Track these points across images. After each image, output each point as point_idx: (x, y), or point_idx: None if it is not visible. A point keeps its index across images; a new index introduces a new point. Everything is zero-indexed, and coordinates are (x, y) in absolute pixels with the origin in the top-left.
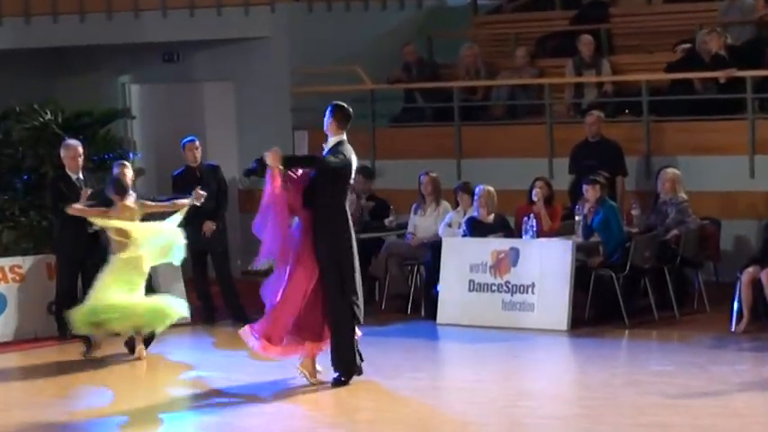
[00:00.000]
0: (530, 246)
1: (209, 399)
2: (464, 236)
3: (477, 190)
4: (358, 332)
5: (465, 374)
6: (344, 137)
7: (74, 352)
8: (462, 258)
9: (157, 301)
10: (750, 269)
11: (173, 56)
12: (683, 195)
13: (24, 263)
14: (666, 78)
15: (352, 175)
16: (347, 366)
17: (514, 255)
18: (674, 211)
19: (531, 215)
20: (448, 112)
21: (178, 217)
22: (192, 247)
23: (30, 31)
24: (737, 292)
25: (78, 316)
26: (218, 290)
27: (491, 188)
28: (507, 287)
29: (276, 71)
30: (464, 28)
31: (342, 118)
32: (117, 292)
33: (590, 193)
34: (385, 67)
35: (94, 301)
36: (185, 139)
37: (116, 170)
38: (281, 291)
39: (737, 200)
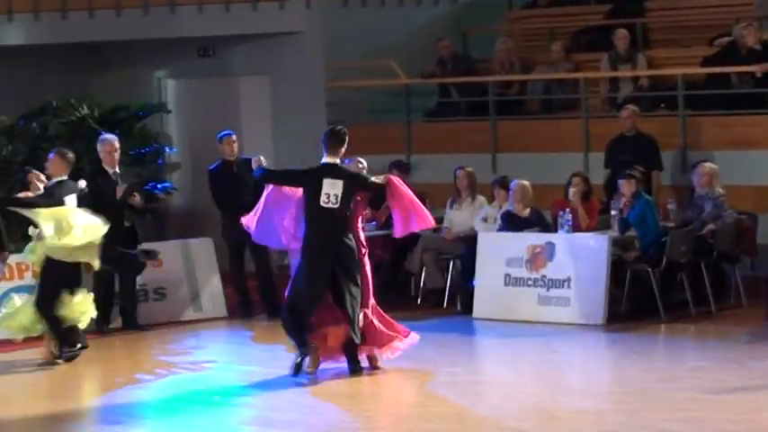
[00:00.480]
0: (566, 240)
1: (248, 393)
2: (500, 230)
3: (512, 184)
4: None
5: (501, 369)
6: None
7: (113, 346)
8: (498, 253)
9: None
10: None
11: (208, 50)
12: (720, 190)
13: None
14: (702, 72)
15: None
16: None
17: (550, 249)
18: (710, 206)
19: (567, 210)
20: (483, 106)
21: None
22: (230, 240)
23: (66, 27)
24: None
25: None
26: (255, 284)
27: (526, 183)
28: (543, 282)
29: (311, 65)
30: (499, 22)
31: (334, 142)
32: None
33: (625, 187)
34: (420, 61)
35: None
36: (222, 133)
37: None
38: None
39: None
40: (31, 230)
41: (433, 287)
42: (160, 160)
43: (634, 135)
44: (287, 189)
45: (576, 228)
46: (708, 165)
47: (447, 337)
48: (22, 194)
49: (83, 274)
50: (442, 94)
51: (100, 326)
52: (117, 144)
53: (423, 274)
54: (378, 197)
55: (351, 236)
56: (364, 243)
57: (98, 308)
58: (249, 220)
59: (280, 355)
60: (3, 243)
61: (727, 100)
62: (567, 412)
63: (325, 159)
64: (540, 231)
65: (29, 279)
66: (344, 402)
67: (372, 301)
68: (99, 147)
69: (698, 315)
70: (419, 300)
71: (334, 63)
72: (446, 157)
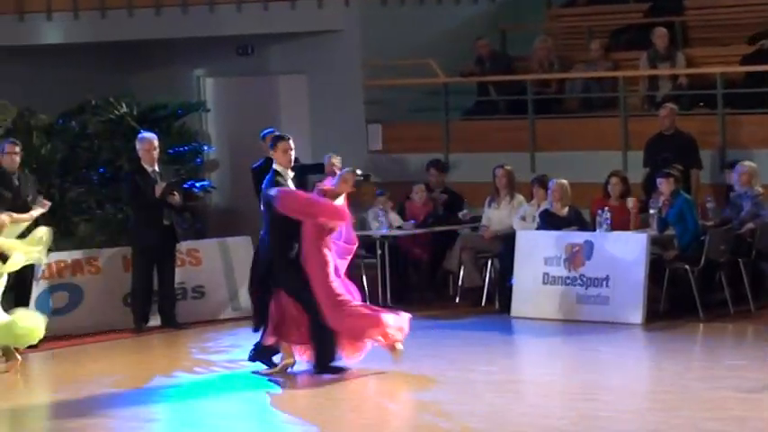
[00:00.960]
0: (604, 239)
1: (287, 392)
2: (538, 229)
3: (550, 183)
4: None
5: (539, 368)
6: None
7: (151, 344)
8: (536, 251)
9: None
10: None
11: (247, 49)
12: (759, 189)
13: (100, 255)
14: (741, 71)
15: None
16: None
17: (589, 248)
18: (749, 204)
19: (606, 208)
20: (521, 105)
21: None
22: None
23: (105, 25)
24: None
25: None
26: None
27: (565, 181)
28: (581, 280)
29: (349, 64)
30: (538, 21)
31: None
32: None
33: (664, 186)
34: (458, 60)
35: None
36: (266, 131)
37: None
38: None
39: None
40: None
41: (471, 286)
42: (199, 159)
43: (673, 134)
44: None
45: (612, 224)
46: (747, 163)
47: (485, 336)
48: None
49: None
50: (481, 93)
51: (138, 324)
52: (156, 142)
53: (461, 273)
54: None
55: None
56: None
57: (137, 306)
58: None
59: None
60: None
61: (767, 98)
62: (605, 411)
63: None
64: (579, 230)
65: (68, 277)
66: (383, 401)
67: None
68: (138, 145)
69: (736, 314)
70: (457, 298)
71: (372, 61)
72: (484, 156)
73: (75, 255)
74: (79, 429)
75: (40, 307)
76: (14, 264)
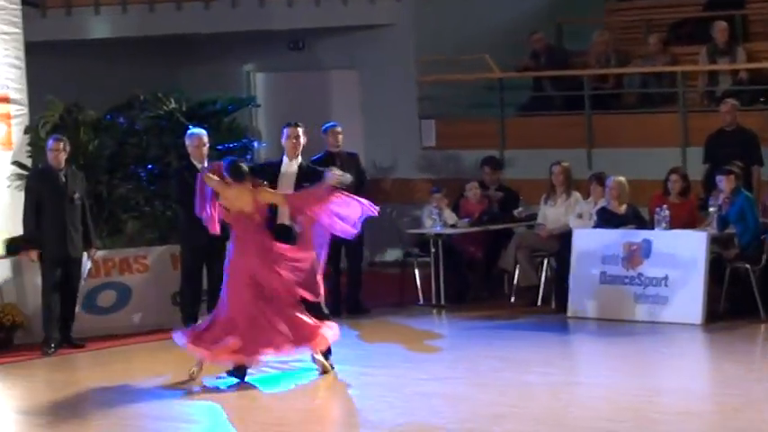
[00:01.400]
0: (663, 237)
1: (338, 392)
2: (595, 227)
3: (608, 180)
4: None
5: (597, 369)
6: None
7: None
8: (593, 250)
9: None
10: None
11: (298, 44)
12: None
13: (149, 253)
14: None
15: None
16: None
17: (647, 246)
18: None
19: (665, 206)
20: (578, 100)
21: None
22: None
23: (154, 19)
24: None
25: None
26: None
27: (622, 179)
28: (640, 280)
29: (402, 59)
30: (595, 14)
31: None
32: None
33: (725, 183)
34: (513, 54)
35: None
36: (327, 124)
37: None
38: None
39: None
40: None
41: (526, 285)
42: (249, 155)
43: (734, 130)
44: None
45: (671, 222)
46: None
47: (541, 336)
48: None
49: None
50: (536, 89)
51: (187, 324)
52: (205, 138)
53: (516, 272)
54: None
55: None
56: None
57: (186, 305)
58: None
59: (372, 354)
60: (90, 238)
61: None
62: (664, 414)
63: None
64: (637, 228)
65: (115, 275)
66: (436, 403)
67: None
68: (187, 141)
69: None
70: (513, 298)
71: (425, 57)
72: (540, 153)
73: (123, 253)
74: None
75: (88, 306)
76: None
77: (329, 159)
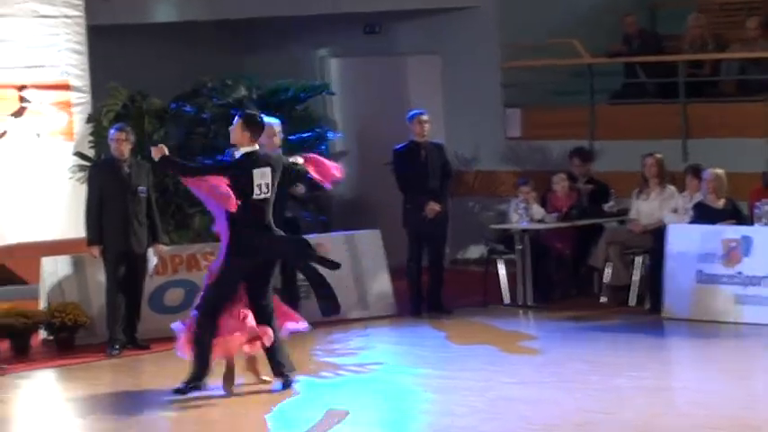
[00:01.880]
0: (764, 234)
1: (420, 398)
2: (691, 222)
3: (705, 173)
4: None
5: (692, 373)
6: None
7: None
8: (690, 247)
9: None
10: None
11: (374, 27)
12: None
13: (217, 249)
14: None
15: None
16: None
17: (747, 243)
18: None
19: (765, 200)
20: (672, 87)
21: None
22: (411, 228)
23: (223, 2)
24: None
25: None
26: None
27: (720, 171)
28: (739, 279)
29: (485, 44)
30: None
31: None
32: None
33: None
34: (604, 39)
35: None
36: (413, 112)
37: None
38: None
39: None
40: None
41: (617, 284)
42: (323, 145)
43: None
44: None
45: None
46: None
47: (633, 338)
48: None
49: None
50: (628, 75)
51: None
52: (278, 128)
53: (607, 270)
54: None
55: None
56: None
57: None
58: None
59: (454, 357)
60: (156, 234)
61: None
62: (765, 422)
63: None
64: (736, 224)
65: (183, 272)
66: (521, 407)
67: None
68: None
69: None
70: (603, 297)
71: (510, 41)
72: (632, 143)
73: (191, 249)
74: None
75: (154, 305)
76: None
77: (413, 149)
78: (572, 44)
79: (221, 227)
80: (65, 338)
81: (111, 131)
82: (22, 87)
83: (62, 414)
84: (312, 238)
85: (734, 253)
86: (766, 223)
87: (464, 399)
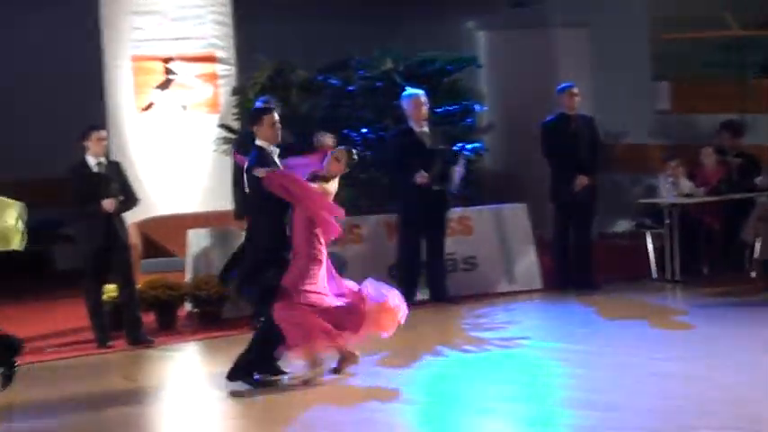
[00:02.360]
0: None
1: (564, 373)
2: None
3: None
4: None
5: None
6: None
7: (420, 318)
8: None
9: None
10: None
11: (521, 1)
12: None
13: (363, 223)
14: None
15: None
16: None
17: None
18: None
19: None
20: None
21: None
22: (560, 201)
23: None
24: None
25: None
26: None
27: None
28: None
29: (634, 16)
30: None
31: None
32: None
33: None
34: (756, 10)
35: None
36: (564, 84)
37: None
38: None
39: None
40: None
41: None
42: (470, 119)
43: None
44: None
45: None
46: None
47: None
48: None
49: None
50: None
51: (406, 298)
52: (424, 99)
53: (757, 245)
54: None
55: None
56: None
57: (403, 278)
58: None
59: (603, 332)
60: None
61: None
62: None
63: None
64: None
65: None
66: (670, 384)
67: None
68: (404, 103)
69: None
70: (753, 273)
71: (659, 13)
72: None
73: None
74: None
75: None
76: None
77: (562, 122)
78: (722, 16)
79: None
80: (209, 311)
81: (257, 104)
82: (168, 60)
83: (203, 387)
84: (458, 211)
85: None
86: None
87: (610, 374)
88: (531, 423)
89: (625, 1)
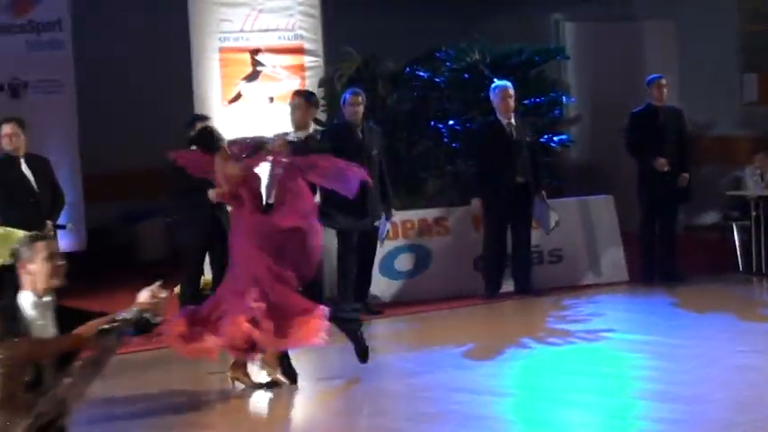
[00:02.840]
0: None
1: (648, 365)
2: None
3: None
4: None
5: None
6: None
7: (504, 311)
8: None
9: None
10: None
11: None
12: None
13: (449, 215)
14: None
15: None
16: None
17: None
18: None
19: None
20: None
21: None
22: (645, 196)
23: None
24: None
25: None
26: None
27: None
28: None
29: (723, 7)
30: None
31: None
32: None
33: None
34: None
35: None
36: (652, 76)
37: None
38: None
39: None
40: None
41: None
42: (557, 110)
43: None
44: None
45: None
46: None
47: None
48: None
49: None
50: None
51: (490, 290)
52: (511, 91)
53: None
54: None
55: None
56: None
57: (488, 270)
58: None
59: (686, 325)
60: (388, 200)
61: None
62: None
63: None
64: None
65: (413, 237)
66: (753, 377)
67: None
68: (492, 95)
69: None
70: None
71: (747, 4)
72: None
73: (422, 214)
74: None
75: (385, 270)
76: None
77: (651, 113)
78: None
79: None
80: None
81: (346, 95)
82: (255, 51)
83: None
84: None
85: None
86: None
87: (694, 367)
88: (615, 415)
89: None
